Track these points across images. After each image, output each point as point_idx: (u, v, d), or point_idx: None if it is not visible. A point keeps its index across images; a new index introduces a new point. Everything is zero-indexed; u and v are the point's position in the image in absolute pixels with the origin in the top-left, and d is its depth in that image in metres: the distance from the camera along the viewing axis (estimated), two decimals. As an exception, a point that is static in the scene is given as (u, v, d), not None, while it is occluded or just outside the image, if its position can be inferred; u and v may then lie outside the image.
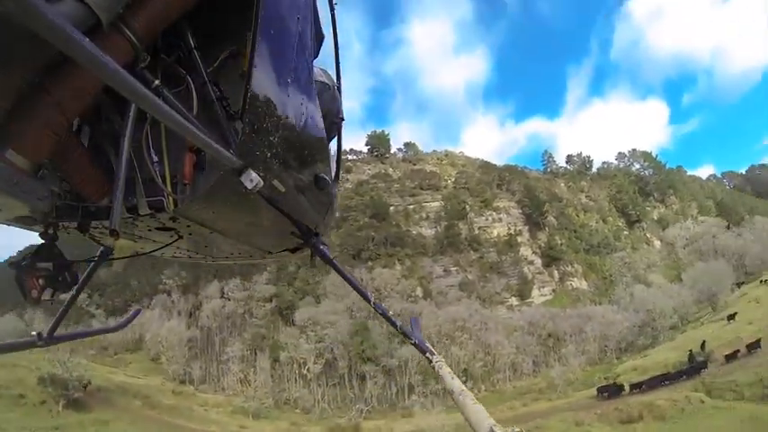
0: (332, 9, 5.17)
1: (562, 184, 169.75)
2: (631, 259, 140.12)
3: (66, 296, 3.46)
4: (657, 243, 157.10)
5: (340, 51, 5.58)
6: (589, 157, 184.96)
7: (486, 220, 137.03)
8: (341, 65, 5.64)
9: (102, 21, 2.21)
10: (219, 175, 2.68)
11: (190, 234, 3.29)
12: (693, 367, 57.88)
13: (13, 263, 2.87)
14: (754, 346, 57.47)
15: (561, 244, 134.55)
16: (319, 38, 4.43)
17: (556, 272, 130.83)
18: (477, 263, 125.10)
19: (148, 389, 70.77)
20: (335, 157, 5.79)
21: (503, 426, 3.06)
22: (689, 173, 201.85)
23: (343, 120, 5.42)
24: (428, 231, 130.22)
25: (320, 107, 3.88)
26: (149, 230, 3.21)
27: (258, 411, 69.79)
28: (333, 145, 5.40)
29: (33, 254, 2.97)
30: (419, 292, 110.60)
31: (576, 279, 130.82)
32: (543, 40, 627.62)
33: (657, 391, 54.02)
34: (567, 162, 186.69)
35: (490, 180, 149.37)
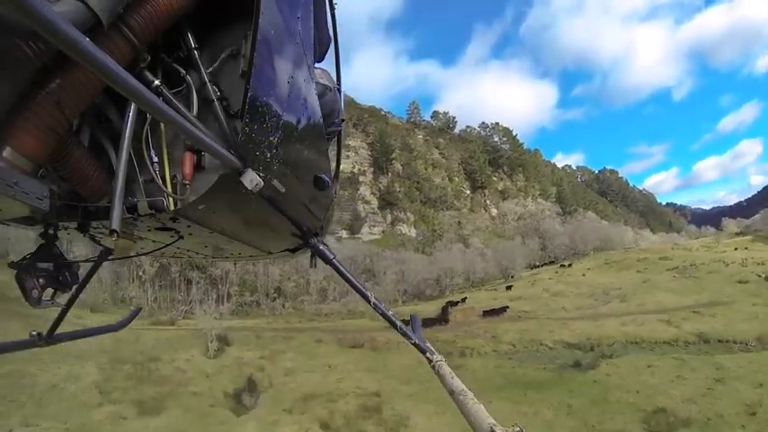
0: (332, 9, 5.02)
1: (420, 137, 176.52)
2: (463, 220, 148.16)
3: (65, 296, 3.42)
4: (494, 211, 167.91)
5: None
6: (454, 118, 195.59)
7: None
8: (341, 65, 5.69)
9: (103, 20, 2.21)
10: (220, 176, 2.68)
11: (190, 234, 3.27)
12: (438, 318, 64.08)
13: (14, 263, 2.84)
14: (499, 312, 67.80)
15: (400, 191, 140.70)
16: (325, 41, 4.44)
17: (389, 215, 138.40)
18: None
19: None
20: (335, 158, 5.86)
21: (502, 425, 3.09)
22: (551, 159, 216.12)
23: (343, 121, 5.34)
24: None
25: (320, 108, 3.88)
26: (149, 230, 3.17)
27: (96, 306, 69.41)
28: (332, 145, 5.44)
29: (33, 254, 2.97)
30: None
31: (405, 226, 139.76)
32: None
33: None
34: (432, 117, 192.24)
35: (348, 118, 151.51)
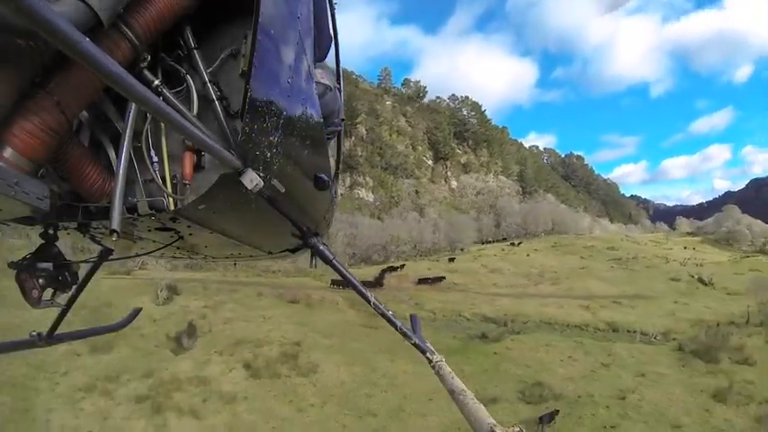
0: (332, 9, 4.91)
1: (388, 103, 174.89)
2: (422, 189, 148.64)
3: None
4: (454, 184, 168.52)
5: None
6: (425, 87, 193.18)
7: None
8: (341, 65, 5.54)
9: (103, 20, 2.18)
10: (220, 176, 2.64)
11: (190, 234, 3.22)
12: (373, 282, 65.12)
13: (14, 263, 2.82)
14: (434, 281, 71.29)
15: (361, 155, 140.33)
16: (325, 41, 4.34)
17: (348, 178, 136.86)
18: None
19: None
20: (335, 158, 5.76)
21: (503, 425, 3.07)
22: (524, 138, 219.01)
23: (343, 120, 5.21)
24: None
25: (320, 108, 3.81)
26: (149, 230, 3.12)
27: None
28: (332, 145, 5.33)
29: (33, 254, 2.93)
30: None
31: (363, 190, 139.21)
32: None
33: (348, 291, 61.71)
34: (402, 85, 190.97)
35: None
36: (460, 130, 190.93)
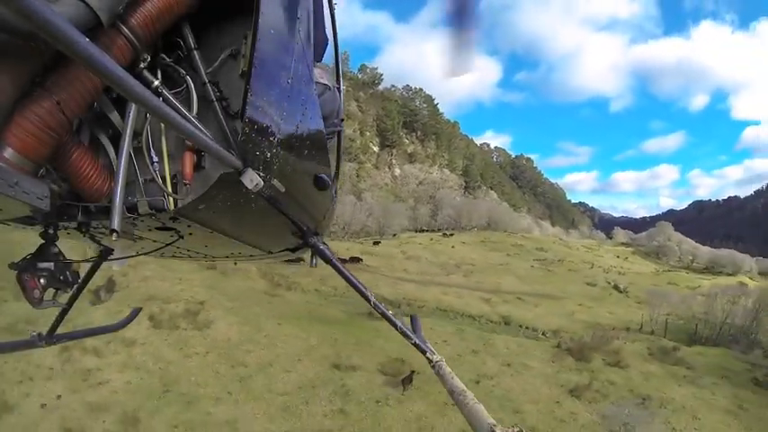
0: (332, 9, 4.92)
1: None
2: (363, 174, 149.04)
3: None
4: (398, 172, 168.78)
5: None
6: (381, 75, 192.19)
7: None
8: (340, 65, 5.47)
9: (103, 20, 2.16)
10: (220, 176, 2.61)
11: (190, 234, 3.17)
12: (291, 258, 66.30)
13: (14, 263, 2.74)
14: (350, 261, 70.60)
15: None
16: (326, 40, 4.30)
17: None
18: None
19: None
20: (335, 158, 5.67)
21: (503, 425, 3.04)
22: (481, 135, 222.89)
23: (342, 120, 5.20)
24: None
25: (320, 108, 3.77)
26: (149, 230, 3.07)
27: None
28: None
29: (34, 254, 2.85)
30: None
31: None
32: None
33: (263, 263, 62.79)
34: (359, 70, 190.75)
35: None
36: (411, 120, 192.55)
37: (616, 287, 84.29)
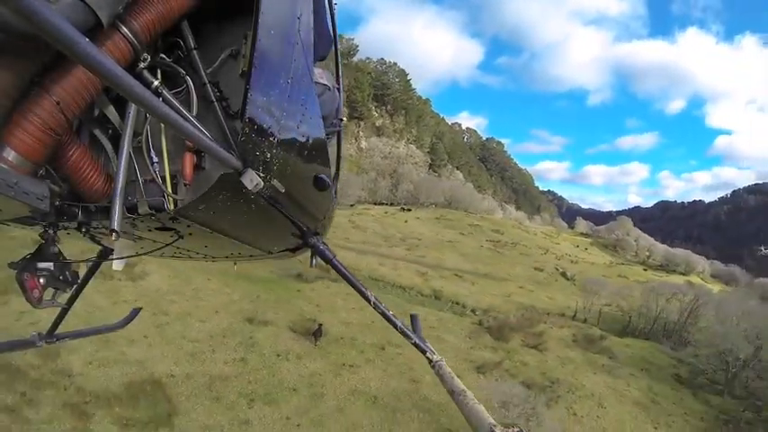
0: (331, 9, 4.74)
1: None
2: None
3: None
4: (364, 144, 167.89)
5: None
6: (357, 46, 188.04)
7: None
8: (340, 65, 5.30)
9: (103, 21, 2.18)
10: (220, 176, 2.59)
11: (190, 234, 3.10)
12: None
13: (14, 263, 2.70)
14: None
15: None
16: (325, 41, 4.12)
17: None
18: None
19: None
20: (335, 158, 5.63)
21: (502, 425, 3.04)
22: (457, 115, 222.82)
23: (342, 120, 5.14)
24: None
25: (320, 108, 3.66)
26: (149, 230, 3.00)
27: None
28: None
29: (34, 254, 2.81)
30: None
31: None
32: None
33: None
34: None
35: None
36: (382, 94, 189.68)
37: (563, 274, 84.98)
